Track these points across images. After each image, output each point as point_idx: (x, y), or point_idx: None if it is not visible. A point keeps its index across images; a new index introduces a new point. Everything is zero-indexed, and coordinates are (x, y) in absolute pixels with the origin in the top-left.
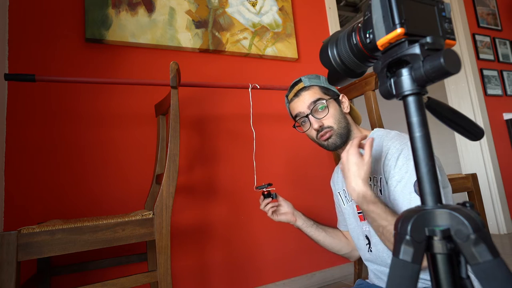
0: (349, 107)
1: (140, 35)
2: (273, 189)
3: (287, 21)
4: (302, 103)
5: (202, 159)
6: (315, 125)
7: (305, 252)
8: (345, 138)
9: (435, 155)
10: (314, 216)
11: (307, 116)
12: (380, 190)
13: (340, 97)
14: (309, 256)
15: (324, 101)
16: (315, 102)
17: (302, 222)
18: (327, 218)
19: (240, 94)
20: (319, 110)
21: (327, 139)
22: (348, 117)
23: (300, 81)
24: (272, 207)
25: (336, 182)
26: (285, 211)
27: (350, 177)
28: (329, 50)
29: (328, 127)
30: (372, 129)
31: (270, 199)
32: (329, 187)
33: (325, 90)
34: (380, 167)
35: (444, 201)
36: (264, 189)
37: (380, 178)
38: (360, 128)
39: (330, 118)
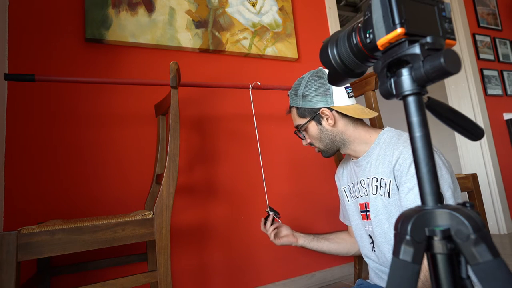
0: (333, 118)
1: (140, 35)
2: (279, 221)
3: (287, 21)
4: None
5: (202, 159)
6: (304, 143)
7: (305, 252)
8: (333, 150)
9: (446, 160)
10: (316, 216)
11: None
12: (388, 193)
13: (320, 112)
14: (309, 256)
15: (301, 126)
16: (296, 127)
17: (303, 240)
18: (329, 217)
19: (240, 94)
20: (301, 133)
21: (319, 151)
22: (338, 127)
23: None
24: (274, 229)
25: (341, 178)
26: (285, 234)
27: None
28: (329, 50)
29: (314, 144)
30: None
31: (271, 221)
32: (331, 185)
33: (301, 113)
34: (390, 170)
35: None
36: (274, 216)
37: (390, 181)
38: (364, 128)
39: (311, 139)
